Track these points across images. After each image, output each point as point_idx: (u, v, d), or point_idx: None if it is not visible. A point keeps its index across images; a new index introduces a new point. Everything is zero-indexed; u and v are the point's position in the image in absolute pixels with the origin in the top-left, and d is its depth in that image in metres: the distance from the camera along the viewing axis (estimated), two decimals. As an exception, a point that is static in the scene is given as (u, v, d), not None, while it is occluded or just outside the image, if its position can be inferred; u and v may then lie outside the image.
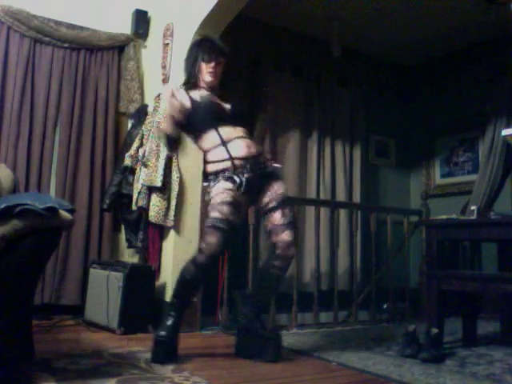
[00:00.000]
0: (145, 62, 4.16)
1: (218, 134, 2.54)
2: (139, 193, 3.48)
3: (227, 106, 2.67)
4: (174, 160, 3.49)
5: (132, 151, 3.66)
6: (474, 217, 3.14)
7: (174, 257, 3.38)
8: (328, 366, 2.46)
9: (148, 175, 3.43)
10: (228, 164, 2.50)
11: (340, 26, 4.68)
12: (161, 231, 3.55)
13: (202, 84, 2.66)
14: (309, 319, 3.77)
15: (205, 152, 2.63)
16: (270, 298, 2.97)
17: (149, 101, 3.92)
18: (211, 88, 2.67)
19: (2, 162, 3.34)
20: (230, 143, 2.53)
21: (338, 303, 3.86)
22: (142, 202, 3.47)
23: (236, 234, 2.56)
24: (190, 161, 3.51)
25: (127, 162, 3.65)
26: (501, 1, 3.82)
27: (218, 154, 2.54)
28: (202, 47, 2.66)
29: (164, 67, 3.74)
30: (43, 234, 1.91)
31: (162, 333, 2.42)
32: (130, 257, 3.85)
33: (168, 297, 2.95)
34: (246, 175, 2.48)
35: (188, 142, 3.08)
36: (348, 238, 4.84)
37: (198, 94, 2.64)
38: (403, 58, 5.53)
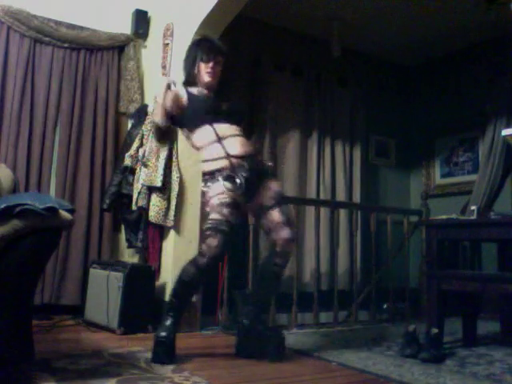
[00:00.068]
0: (145, 62, 4.16)
1: (214, 129, 2.54)
2: (139, 193, 3.48)
3: (224, 104, 2.66)
4: (173, 160, 3.49)
5: (132, 151, 3.66)
6: (474, 217, 3.14)
7: (174, 257, 3.38)
8: (328, 366, 2.46)
9: (148, 175, 3.43)
10: (225, 163, 2.49)
11: (340, 25, 4.68)
12: (161, 231, 3.55)
13: (201, 83, 2.66)
14: (309, 319, 3.77)
15: (199, 149, 2.62)
16: (270, 297, 2.96)
17: (149, 101, 3.92)
18: (209, 87, 2.67)
19: (2, 161, 3.34)
20: (225, 140, 2.53)
21: (338, 303, 3.86)
22: (141, 202, 3.47)
23: (235, 234, 2.56)
24: (189, 161, 3.50)
25: (127, 162, 3.65)
26: (501, 1, 3.82)
27: (214, 151, 2.53)
28: (200, 47, 2.66)
29: (164, 67, 3.74)
30: (43, 234, 1.91)
31: (163, 333, 2.42)
32: (129, 257, 3.85)
33: (168, 297, 2.94)
34: (244, 174, 2.47)
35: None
36: (348, 238, 4.84)
37: (196, 90, 2.65)
38: (403, 57, 5.53)
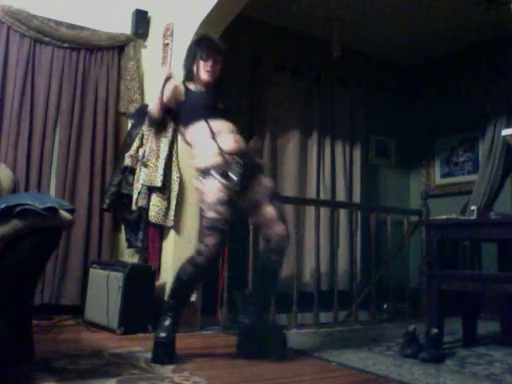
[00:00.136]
0: (145, 62, 4.16)
1: (208, 126, 2.54)
2: (139, 193, 3.48)
3: (220, 102, 2.66)
4: (173, 160, 3.49)
5: (132, 151, 3.66)
6: (474, 217, 3.14)
7: (174, 257, 3.38)
8: (328, 366, 2.46)
9: (148, 175, 3.43)
10: (219, 159, 2.49)
11: (340, 25, 4.68)
12: (161, 231, 3.55)
13: (199, 81, 2.67)
14: (309, 319, 3.77)
15: (192, 145, 2.62)
16: (270, 295, 2.95)
17: (149, 101, 3.92)
18: (206, 85, 2.67)
19: (2, 162, 3.34)
20: (219, 137, 2.53)
21: (338, 303, 3.86)
22: (142, 202, 3.47)
23: (231, 231, 2.56)
24: (189, 161, 3.50)
25: (127, 162, 3.65)
26: (501, 1, 3.82)
27: (208, 147, 2.53)
28: (200, 46, 2.67)
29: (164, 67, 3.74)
30: (43, 233, 1.91)
31: (162, 334, 2.42)
32: (129, 257, 3.85)
33: (166, 297, 2.93)
34: (239, 171, 2.47)
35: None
36: (348, 238, 4.84)
37: (193, 86, 2.66)
38: (403, 57, 5.53)
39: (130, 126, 4.01)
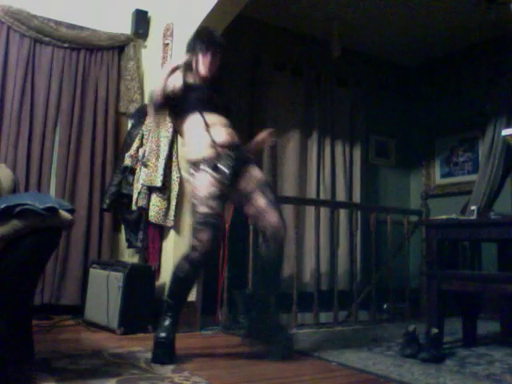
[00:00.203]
0: (145, 62, 4.16)
1: (203, 118, 2.53)
2: (139, 193, 3.48)
3: (215, 95, 2.64)
4: (173, 160, 3.49)
5: (132, 151, 3.66)
6: (474, 217, 3.14)
7: (174, 257, 3.37)
8: (328, 366, 2.46)
9: (148, 175, 3.43)
10: (210, 151, 2.49)
11: (340, 25, 4.68)
12: (161, 231, 3.55)
13: (197, 74, 2.64)
14: (309, 319, 3.77)
15: (185, 136, 2.61)
16: (272, 293, 2.82)
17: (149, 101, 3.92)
18: (205, 79, 2.66)
19: (2, 162, 3.34)
20: (212, 129, 2.52)
21: (338, 303, 3.86)
22: (142, 202, 3.47)
23: (231, 231, 2.55)
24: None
25: (127, 162, 3.65)
26: (501, 1, 3.82)
27: (200, 139, 2.52)
28: (200, 39, 2.67)
29: (164, 67, 3.74)
30: (43, 233, 1.91)
31: (162, 334, 2.42)
32: (129, 257, 3.85)
33: (165, 297, 2.94)
34: (230, 164, 2.46)
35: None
36: (348, 238, 4.84)
37: (191, 78, 2.63)
38: (403, 57, 5.53)
39: (129, 125, 4.02)
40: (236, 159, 2.51)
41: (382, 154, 5.49)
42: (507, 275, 2.78)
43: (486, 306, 3.58)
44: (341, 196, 4.94)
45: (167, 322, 2.45)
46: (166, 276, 3.44)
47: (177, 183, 3.46)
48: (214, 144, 2.49)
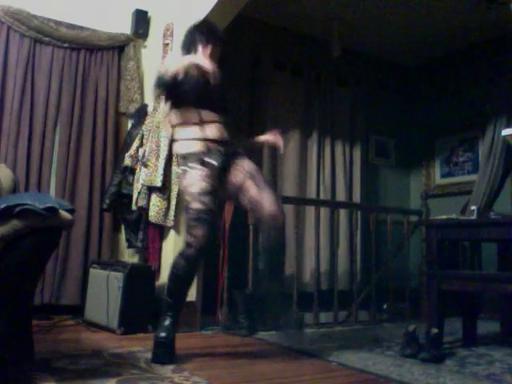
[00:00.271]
0: (145, 62, 4.16)
1: (198, 111, 2.51)
2: (139, 193, 3.48)
3: (214, 90, 2.57)
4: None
5: (132, 151, 3.66)
6: (474, 217, 3.14)
7: (174, 257, 3.37)
8: (328, 366, 2.46)
9: (148, 175, 3.43)
10: (201, 145, 2.48)
11: (340, 25, 4.68)
12: (161, 231, 3.55)
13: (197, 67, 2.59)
14: (309, 319, 3.77)
15: (177, 129, 2.58)
16: (278, 278, 2.68)
17: (149, 101, 3.92)
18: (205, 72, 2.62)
19: (2, 162, 3.34)
20: (205, 124, 2.51)
21: (338, 303, 3.86)
22: (141, 202, 3.47)
23: (231, 231, 2.54)
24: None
25: (127, 162, 3.65)
26: (501, 1, 3.82)
27: (192, 132, 2.51)
28: (200, 31, 2.64)
29: (164, 67, 3.73)
30: (43, 233, 1.91)
31: (162, 334, 2.41)
32: (129, 257, 3.85)
33: (164, 297, 2.94)
34: (220, 159, 2.46)
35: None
36: (348, 238, 4.84)
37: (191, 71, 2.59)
38: (403, 57, 5.53)
39: (129, 125, 4.02)
40: (225, 154, 2.50)
41: (382, 154, 5.49)
42: (507, 275, 2.78)
43: (486, 306, 3.58)
44: (341, 196, 4.94)
45: (167, 322, 2.45)
46: (166, 276, 3.40)
47: (177, 183, 3.46)
48: (204, 139, 2.48)
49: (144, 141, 3.64)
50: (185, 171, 2.50)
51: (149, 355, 2.39)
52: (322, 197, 4.82)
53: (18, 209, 1.84)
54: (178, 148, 2.58)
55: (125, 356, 2.45)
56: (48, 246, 1.99)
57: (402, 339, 2.78)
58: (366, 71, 5.42)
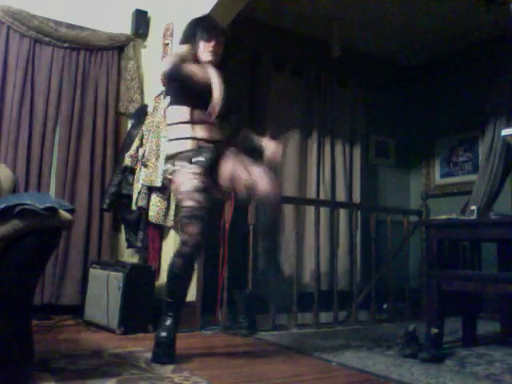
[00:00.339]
0: (145, 62, 4.16)
1: (191, 110, 2.50)
2: (139, 193, 3.48)
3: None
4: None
5: (132, 151, 3.66)
6: (474, 217, 3.14)
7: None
8: (328, 366, 2.46)
9: (148, 175, 3.43)
10: (190, 144, 2.48)
11: (340, 25, 4.68)
12: (161, 231, 3.55)
13: (201, 62, 2.55)
14: (309, 319, 3.77)
15: (169, 126, 2.59)
16: (273, 253, 2.63)
17: (149, 101, 3.92)
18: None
19: (2, 162, 3.34)
20: (196, 124, 2.50)
21: (338, 303, 3.86)
22: (141, 202, 3.47)
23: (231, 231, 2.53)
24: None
25: (127, 162, 3.65)
26: (501, 1, 3.82)
27: (182, 131, 2.50)
28: (201, 26, 2.60)
29: (164, 67, 3.73)
30: (43, 233, 1.91)
31: (163, 334, 2.41)
32: (129, 257, 3.85)
33: (164, 297, 2.94)
34: (208, 156, 2.46)
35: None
36: (348, 238, 4.84)
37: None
38: (403, 57, 5.53)
39: (129, 126, 4.02)
40: (215, 151, 2.50)
41: (382, 153, 5.49)
42: (507, 275, 2.78)
43: (486, 306, 3.58)
44: (341, 196, 4.94)
45: (168, 322, 2.45)
46: (165, 276, 3.43)
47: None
48: (193, 138, 2.48)
49: (144, 141, 3.64)
50: (174, 171, 2.51)
51: (149, 355, 2.39)
52: (322, 197, 4.81)
53: (17, 209, 1.84)
54: (168, 148, 2.59)
55: (125, 356, 2.45)
56: (48, 246, 1.98)
57: (402, 339, 2.78)
58: (366, 71, 5.42)
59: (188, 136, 2.50)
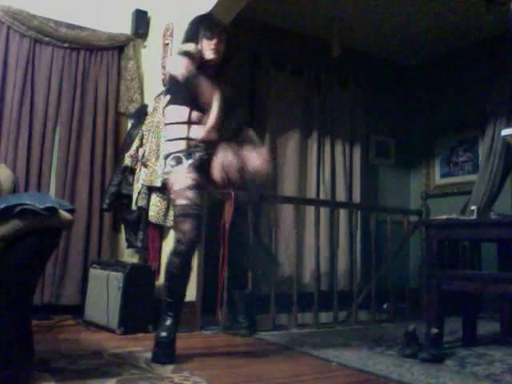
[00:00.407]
0: (145, 62, 4.16)
1: (189, 111, 2.51)
2: (139, 193, 3.48)
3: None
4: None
5: (132, 151, 3.66)
6: (474, 217, 3.14)
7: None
8: (328, 366, 2.46)
9: (148, 175, 3.44)
10: (182, 145, 2.49)
11: (340, 25, 4.68)
12: (160, 231, 3.55)
13: (203, 60, 2.56)
14: (309, 319, 3.77)
15: (168, 128, 2.60)
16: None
17: (149, 101, 3.92)
18: (213, 64, 2.60)
19: (2, 162, 3.34)
20: (193, 124, 2.51)
21: (338, 303, 3.86)
22: (141, 202, 3.47)
23: (231, 231, 2.55)
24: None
25: (127, 162, 3.65)
26: (501, 1, 3.82)
27: (178, 131, 2.52)
28: (203, 24, 2.61)
29: (164, 67, 3.74)
30: (43, 233, 1.91)
31: (163, 334, 2.41)
32: (129, 257, 3.85)
33: (163, 297, 2.94)
34: (200, 154, 2.48)
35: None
36: (348, 238, 4.84)
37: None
38: (403, 57, 5.53)
39: (129, 126, 4.02)
40: (207, 149, 2.51)
41: (382, 153, 5.49)
42: (507, 275, 2.78)
43: (485, 306, 3.58)
44: (341, 196, 4.94)
45: (168, 322, 2.45)
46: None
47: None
48: (188, 138, 2.49)
49: (144, 141, 3.64)
50: (168, 172, 2.53)
51: (149, 355, 2.39)
52: (321, 197, 4.81)
53: (17, 209, 1.84)
54: (165, 148, 2.60)
55: (125, 356, 2.45)
56: (48, 246, 1.98)
57: (402, 339, 2.78)
58: (366, 71, 5.42)
59: (181, 136, 2.51)
